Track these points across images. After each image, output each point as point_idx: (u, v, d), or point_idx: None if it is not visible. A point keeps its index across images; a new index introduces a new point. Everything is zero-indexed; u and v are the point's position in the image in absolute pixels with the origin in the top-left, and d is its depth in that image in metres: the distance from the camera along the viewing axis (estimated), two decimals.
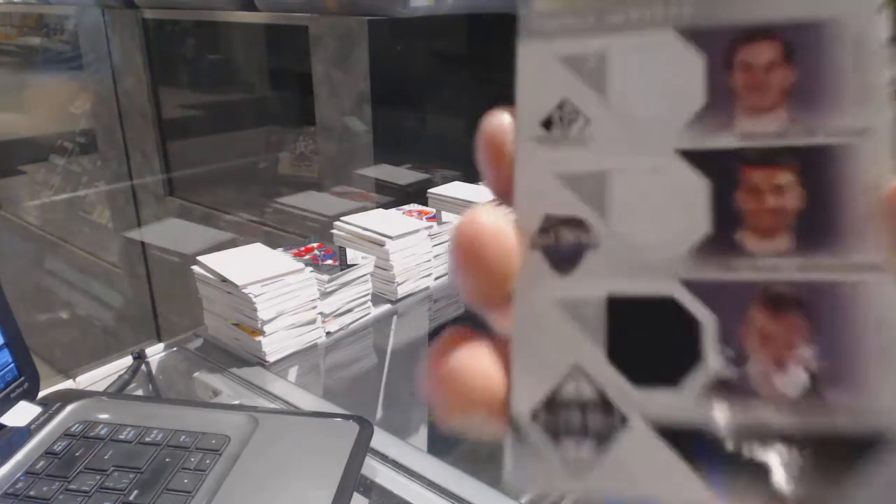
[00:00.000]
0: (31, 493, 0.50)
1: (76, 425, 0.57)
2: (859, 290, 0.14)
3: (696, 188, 0.14)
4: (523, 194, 0.15)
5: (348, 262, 0.88)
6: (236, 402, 0.71)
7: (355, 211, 1.00)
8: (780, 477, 0.14)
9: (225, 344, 0.83)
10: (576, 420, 0.15)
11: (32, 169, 2.53)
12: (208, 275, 0.82)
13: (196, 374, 0.79)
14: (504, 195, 0.16)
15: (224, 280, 0.80)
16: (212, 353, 0.82)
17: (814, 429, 0.14)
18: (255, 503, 0.50)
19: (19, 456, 0.54)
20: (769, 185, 0.14)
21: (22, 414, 0.58)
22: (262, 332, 0.78)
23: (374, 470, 0.60)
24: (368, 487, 0.58)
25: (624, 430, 0.14)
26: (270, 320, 0.78)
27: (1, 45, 2.51)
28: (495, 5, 1.51)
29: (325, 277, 0.84)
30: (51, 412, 0.59)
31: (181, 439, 0.55)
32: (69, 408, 0.59)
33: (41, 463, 0.53)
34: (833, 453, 0.13)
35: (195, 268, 0.84)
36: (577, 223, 0.15)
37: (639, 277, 0.15)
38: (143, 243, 2.07)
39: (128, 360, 0.78)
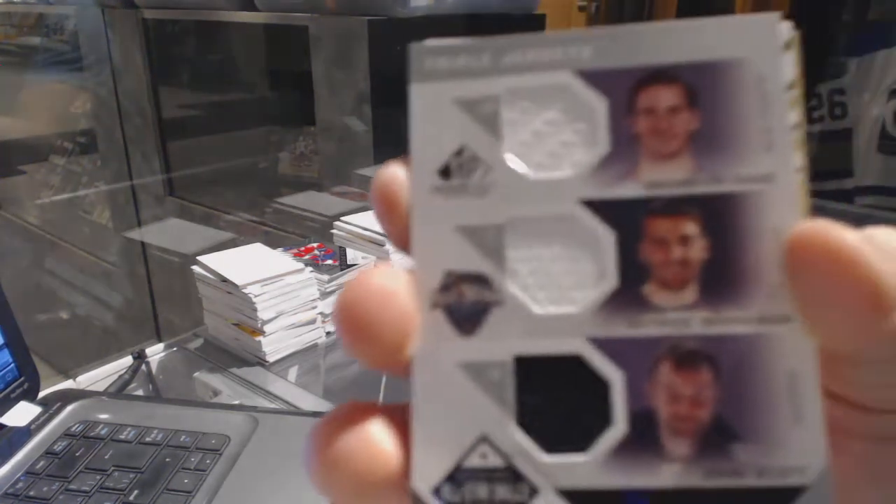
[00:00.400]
0: (32, 493, 0.50)
1: (76, 425, 0.57)
2: (768, 342, 0.13)
3: (601, 240, 0.14)
4: (420, 249, 0.14)
5: (348, 262, 0.88)
6: (236, 402, 0.71)
7: (355, 211, 1.00)
8: None
9: (225, 344, 0.83)
10: (483, 493, 0.14)
11: (32, 169, 2.53)
12: (208, 275, 0.82)
13: (196, 374, 0.79)
14: (404, 250, 0.15)
15: (224, 280, 0.80)
16: (212, 353, 0.82)
17: (723, 489, 0.13)
18: (254, 503, 0.51)
19: (19, 456, 0.54)
20: (675, 236, 0.14)
21: (22, 414, 0.58)
22: (262, 332, 0.78)
23: None
24: None
25: (534, 501, 0.14)
26: (270, 320, 0.78)
27: (1, 45, 2.51)
28: (495, 5, 1.51)
29: (325, 277, 0.84)
30: (51, 412, 0.59)
31: (181, 439, 0.55)
32: (69, 408, 0.59)
33: (41, 463, 0.53)
34: None
35: (195, 268, 0.84)
36: (479, 279, 0.14)
37: (545, 336, 0.14)
38: (142, 243, 2.07)
39: (128, 360, 0.78)
